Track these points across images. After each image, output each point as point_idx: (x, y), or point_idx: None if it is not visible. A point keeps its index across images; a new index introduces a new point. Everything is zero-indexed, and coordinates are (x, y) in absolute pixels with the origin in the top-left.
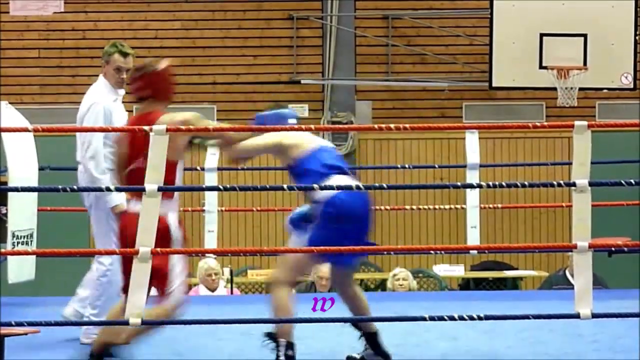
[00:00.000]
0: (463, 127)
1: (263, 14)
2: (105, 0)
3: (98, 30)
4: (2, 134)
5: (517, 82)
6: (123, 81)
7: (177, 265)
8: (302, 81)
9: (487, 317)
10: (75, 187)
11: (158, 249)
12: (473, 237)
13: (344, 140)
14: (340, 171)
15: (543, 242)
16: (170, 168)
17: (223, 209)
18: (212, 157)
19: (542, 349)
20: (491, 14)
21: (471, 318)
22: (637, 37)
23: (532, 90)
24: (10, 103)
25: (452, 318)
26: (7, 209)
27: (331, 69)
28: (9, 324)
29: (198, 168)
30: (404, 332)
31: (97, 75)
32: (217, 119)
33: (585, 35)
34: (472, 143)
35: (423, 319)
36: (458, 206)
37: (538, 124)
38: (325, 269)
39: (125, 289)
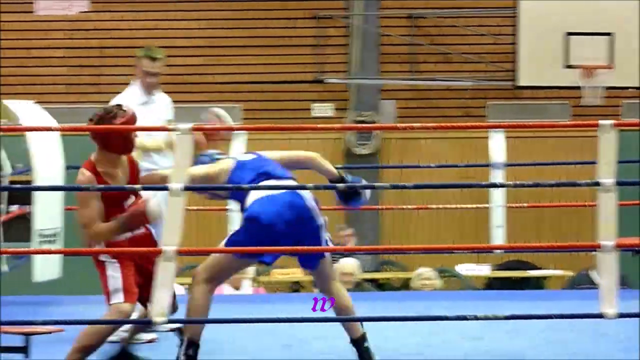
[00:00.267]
0: (487, 126)
1: (288, 14)
2: (130, 0)
3: (123, 30)
4: (27, 133)
5: (542, 81)
6: (153, 85)
7: None
8: (327, 80)
9: (511, 317)
10: (100, 185)
11: (185, 248)
12: (498, 237)
13: (368, 139)
14: (267, 176)
15: (569, 241)
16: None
17: None
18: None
19: (566, 349)
20: (517, 12)
21: (495, 318)
22: None
23: (557, 89)
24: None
25: (475, 318)
26: (31, 209)
27: (356, 68)
28: (33, 323)
29: None
30: (427, 332)
31: (121, 75)
32: (243, 119)
33: (610, 34)
34: (498, 142)
35: (446, 318)
36: (482, 205)
37: (562, 123)
38: (347, 264)
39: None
